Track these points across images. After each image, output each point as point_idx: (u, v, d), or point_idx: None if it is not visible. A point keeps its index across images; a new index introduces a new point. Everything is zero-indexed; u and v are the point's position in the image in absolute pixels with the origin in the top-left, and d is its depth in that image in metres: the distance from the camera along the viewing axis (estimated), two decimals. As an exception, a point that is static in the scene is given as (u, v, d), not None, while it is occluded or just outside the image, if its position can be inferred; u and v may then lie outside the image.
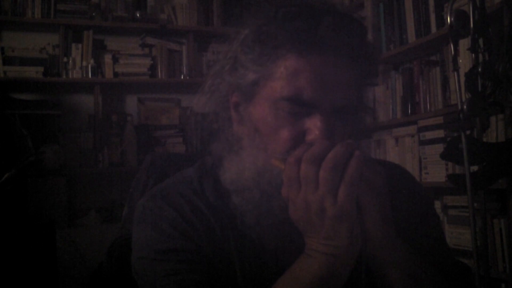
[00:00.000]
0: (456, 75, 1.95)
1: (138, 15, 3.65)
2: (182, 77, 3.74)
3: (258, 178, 0.80)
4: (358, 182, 0.73)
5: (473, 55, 1.91)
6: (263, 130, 0.81)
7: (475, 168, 1.95)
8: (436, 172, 2.64)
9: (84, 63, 3.49)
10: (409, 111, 2.88)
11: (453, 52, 1.93)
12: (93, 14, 3.55)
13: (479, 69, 1.87)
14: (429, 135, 2.68)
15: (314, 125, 0.77)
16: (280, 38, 0.78)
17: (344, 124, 0.80)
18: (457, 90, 1.95)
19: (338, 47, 0.78)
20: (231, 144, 0.85)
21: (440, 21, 2.66)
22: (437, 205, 2.57)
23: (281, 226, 0.80)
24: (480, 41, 1.91)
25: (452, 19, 1.89)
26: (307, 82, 0.77)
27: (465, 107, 1.88)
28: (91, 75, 3.49)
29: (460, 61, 2.26)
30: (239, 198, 0.82)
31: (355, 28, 0.81)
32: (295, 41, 0.77)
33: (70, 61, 3.47)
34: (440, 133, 2.61)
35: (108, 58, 3.57)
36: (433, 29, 2.71)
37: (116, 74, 3.59)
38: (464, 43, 2.25)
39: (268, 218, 0.80)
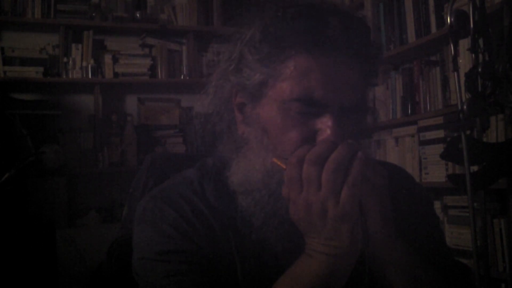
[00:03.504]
0: (456, 75, 1.95)
1: (138, 15, 3.64)
2: (182, 77, 3.74)
3: (266, 179, 0.79)
4: (361, 184, 0.72)
5: (473, 55, 1.91)
6: (272, 131, 0.80)
7: (475, 168, 1.95)
8: (436, 172, 2.63)
9: (84, 63, 3.49)
10: (409, 111, 2.88)
11: (453, 52, 1.93)
12: (93, 14, 3.55)
13: (479, 69, 1.87)
14: (429, 135, 2.68)
15: (325, 125, 0.77)
16: (288, 38, 0.78)
17: (352, 123, 0.80)
18: (457, 90, 1.95)
19: (346, 47, 0.78)
20: (236, 145, 0.85)
21: (440, 21, 2.66)
22: (437, 205, 2.57)
23: (284, 227, 0.80)
24: (480, 41, 1.90)
25: (452, 19, 1.89)
26: (317, 82, 0.77)
27: (465, 107, 1.88)
28: (91, 75, 3.49)
29: (460, 61, 2.26)
30: (247, 200, 0.82)
31: (361, 28, 0.81)
32: (304, 41, 0.77)
33: (70, 61, 3.46)
34: (440, 133, 2.61)
35: (108, 58, 3.57)
36: (433, 29, 2.71)
37: (116, 74, 3.59)
38: (464, 43, 2.25)
39: (275, 219, 0.80)
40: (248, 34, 0.82)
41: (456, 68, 1.95)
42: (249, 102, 0.83)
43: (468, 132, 1.92)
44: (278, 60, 0.79)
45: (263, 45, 0.80)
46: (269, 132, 0.80)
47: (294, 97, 0.78)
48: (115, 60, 3.60)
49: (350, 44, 0.78)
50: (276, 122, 0.79)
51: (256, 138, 0.82)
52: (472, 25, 1.86)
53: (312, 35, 0.77)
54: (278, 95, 0.79)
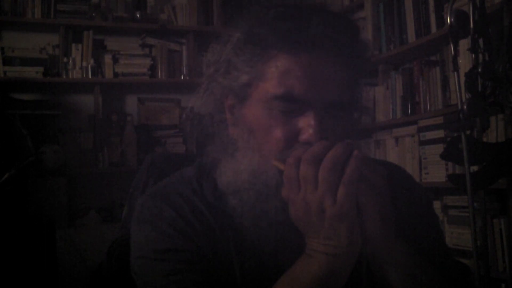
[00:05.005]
0: (456, 75, 1.95)
1: (138, 15, 3.64)
2: (182, 77, 3.74)
3: (253, 179, 0.80)
4: (357, 182, 0.73)
5: (473, 55, 1.91)
6: (257, 131, 0.81)
7: (475, 168, 1.95)
8: (436, 172, 2.63)
9: (84, 63, 3.49)
10: (409, 111, 2.88)
11: (453, 52, 1.93)
12: (93, 14, 3.55)
13: (479, 69, 1.87)
14: (429, 135, 2.68)
15: (307, 124, 0.77)
16: (270, 38, 0.79)
17: (338, 122, 0.80)
18: (457, 90, 1.95)
19: (328, 45, 0.78)
20: (226, 146, 0.85)
21: (440, 21, 2.66)
22: (437, 205, 2.57)
23: (279, 227, 0.80)
24: (480, 41, 1.90)
25: (452, 19, 1.89)
26: (298, 79, 0.77)
27: (465, 107, 1.88)
28: (91, 75, 3.49)
29: (460, 61, 2.26)
30: (235, 200, 0.82)
31: (345, 26, 0.81)
32: (285, 40, 0.78)
33: (70, 61, 3.46)
34: (440, 133, 2.61)
35: (108, 58, 3.57)
36: (433, 29, 2.71)
37: (116, 74, 3.59)
38: (464, 43, 2.25)
39: (264, 219, 0.80)
40: (236, 36, 0.83)
41: (456, 68, 1.95)
42: (237, 104, 0.84)
43: (468, 132, 1.92)
44: (261, 61, 0.80)
45: (247, 47, 0.81)
46: (254, 132, 0.81)
47: (276, 95, 0.78)
48: (115, 60, 3.60)
49: (333, 42, 0.78)
50: (261, 122, 0.80)
51: (243, 138, 0.83)
52: (472, 25, 1.86)
53: (293, 34, 0.78)
54: (262, 95, 0.80)
